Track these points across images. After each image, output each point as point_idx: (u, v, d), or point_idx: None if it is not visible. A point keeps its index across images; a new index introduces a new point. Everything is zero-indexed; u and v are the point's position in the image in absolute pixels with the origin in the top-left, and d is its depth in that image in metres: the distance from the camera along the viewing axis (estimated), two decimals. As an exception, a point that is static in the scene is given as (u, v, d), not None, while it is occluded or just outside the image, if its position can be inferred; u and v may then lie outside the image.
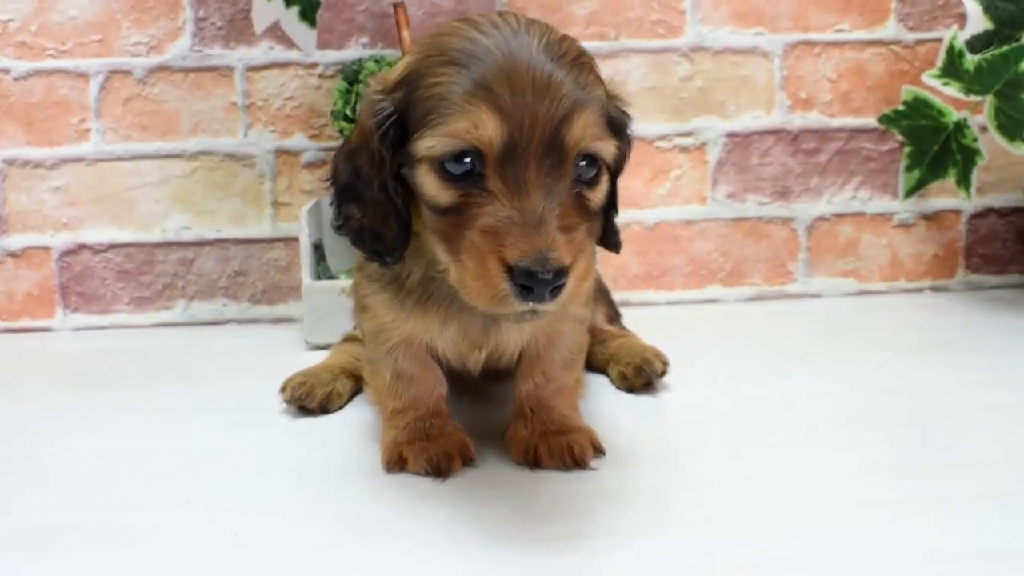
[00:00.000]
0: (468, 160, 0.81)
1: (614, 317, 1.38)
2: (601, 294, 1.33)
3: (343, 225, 0.93)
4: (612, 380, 1.25)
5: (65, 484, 0.98)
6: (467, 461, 0.97)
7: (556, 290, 0.78)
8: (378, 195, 0.88)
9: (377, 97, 0.88)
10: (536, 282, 0.76)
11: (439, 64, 0.83)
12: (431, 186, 0.83)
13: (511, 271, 0.77)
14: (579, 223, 0.81)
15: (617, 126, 0.90)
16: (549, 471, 0.96)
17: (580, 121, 0.81)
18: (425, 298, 0.96)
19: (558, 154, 0.80)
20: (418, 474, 0.95)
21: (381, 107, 0.87)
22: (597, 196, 0.87)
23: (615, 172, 0.93)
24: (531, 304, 0.78)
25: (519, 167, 0.79)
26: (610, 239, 0.99)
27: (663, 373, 1.22)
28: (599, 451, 0.98)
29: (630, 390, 1.22)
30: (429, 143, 0.82)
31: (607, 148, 0.84)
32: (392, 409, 1.01)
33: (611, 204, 0.95)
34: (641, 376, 1.21)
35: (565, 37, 0.85)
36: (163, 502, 0.93)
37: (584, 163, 0.83)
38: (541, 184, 0.80)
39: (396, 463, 0.96)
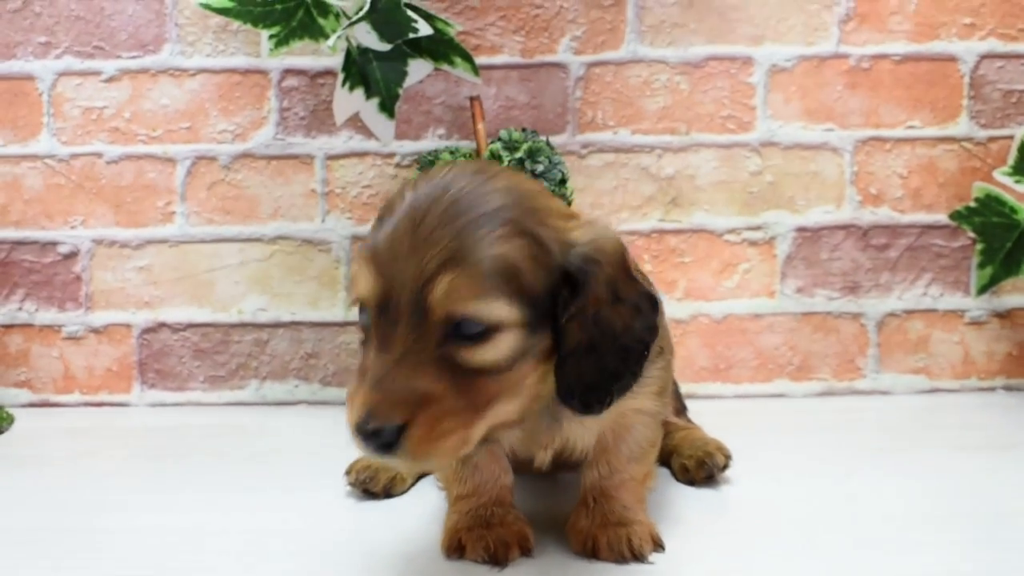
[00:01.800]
0: (365, 310, 0.85)
1: (680, 409, 1.37)
2: None
3: None
4: (673, 472, 1.25)
5: (134, 557, 1.00)
6: (525, 551, 0.97)
7: (391, 447, 0.79)
8: None
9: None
10: (363, 437, 0.80)
11: (379, 214, 0.88)
12: (359, 326, 0.89)
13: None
14: (435, 386, 0.81)
15: (572, 277, 0.86)
16: (607, 563, 0.96)
17: (443, 283, 0.80)
18: None
19: (422, 314, 0.81)
20: (475, 561, 0.96)
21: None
22: (483, 356, 0.83)
23: (578, 315, 0.86)
24: (380, 454, 0.81)
25: (389, 324, 0.82)
26: (564, 394, 0.88)
27: (725, 467, 1.21)
28: (659, 545, 0.98)
29: (690, 483, 1.21)
30: (350, 288, 0.89)
31: (488, 311, 0.82)
32: (456, 495, 1.02)
33: (564, 351, 0.87)
34: (703, 469, 1.21)
35: (495, 190, 0.85)
36: (226, 579, 0.94)
37: (464, 323, 0.82)
38: (403, 342, 0.81)
39: (455, 549, 0.97)
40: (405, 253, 0.81)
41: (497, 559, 0.95)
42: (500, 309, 0.82)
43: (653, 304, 0.90)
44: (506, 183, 0.86)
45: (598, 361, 0.86)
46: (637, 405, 0.99)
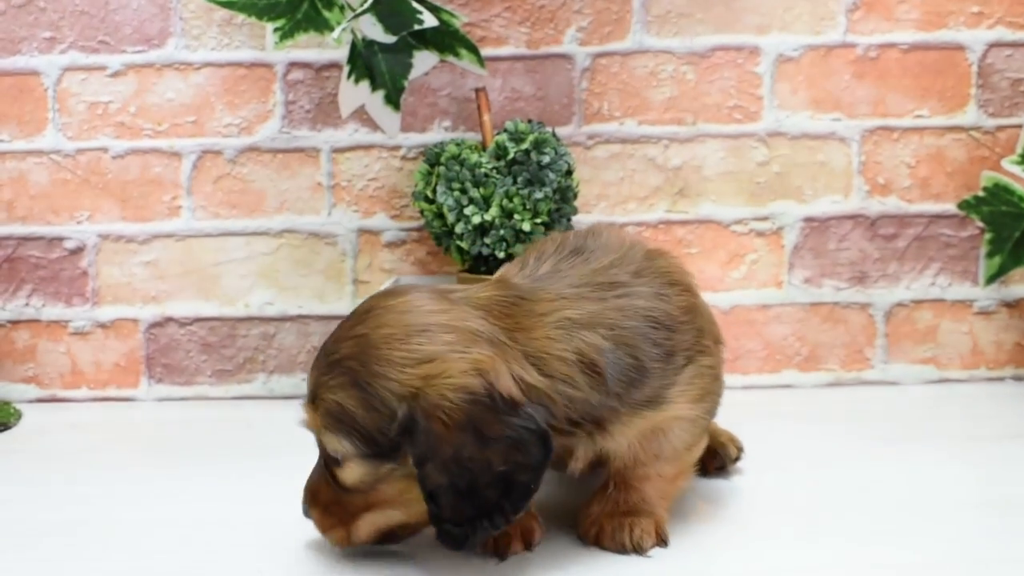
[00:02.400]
0: None
1: None
2: None
3: None
4: None
5: (141, 550, 1.00)
6: (528, 545, 0.97)
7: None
8: None
9: None
10: (305, 514, 1.00)
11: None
12: None
13: None
14: (325, 488, 0.97)
15: (407, 428, 0.88)
16: (609, 554, 0.95)
17: (309, 411, 0.95)
18: None
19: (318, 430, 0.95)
20: (476, 554, 0.95)
21: None
22: (343, 476, 0.94)
23: (429, 459, 0.88)
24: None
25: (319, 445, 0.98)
26: (439, 527, 0.89)
27: (737, 458, 1.21)
28: (662, 540, 0.97)
29: (703, 473, 1.21)
30: None
31: (328, 442, 0.93)
32: None
33: (425, 491, 0.89)
34: (715, 460, 1.21)
35: (354, 337, 0.92)
36: (235, 571, 0.94)
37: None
38: (322, 461, 0.98)
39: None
40: (311, 379, 0.96)
41: (498, 551, 0.95)
42: (335, 443, 0.92)
43: (540, 436, 0.87)
44: (366, 328, 0.92)
45: (468, 499, 0.87)
46: (674, 413, 0.99)
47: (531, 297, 0.95)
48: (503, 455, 0.86)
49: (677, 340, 1.00)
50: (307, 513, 1.00)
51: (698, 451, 1.06)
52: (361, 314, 0.94)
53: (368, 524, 0.96)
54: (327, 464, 0.95)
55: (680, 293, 1.04)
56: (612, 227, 1.15)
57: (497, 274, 1.05)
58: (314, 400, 0.93)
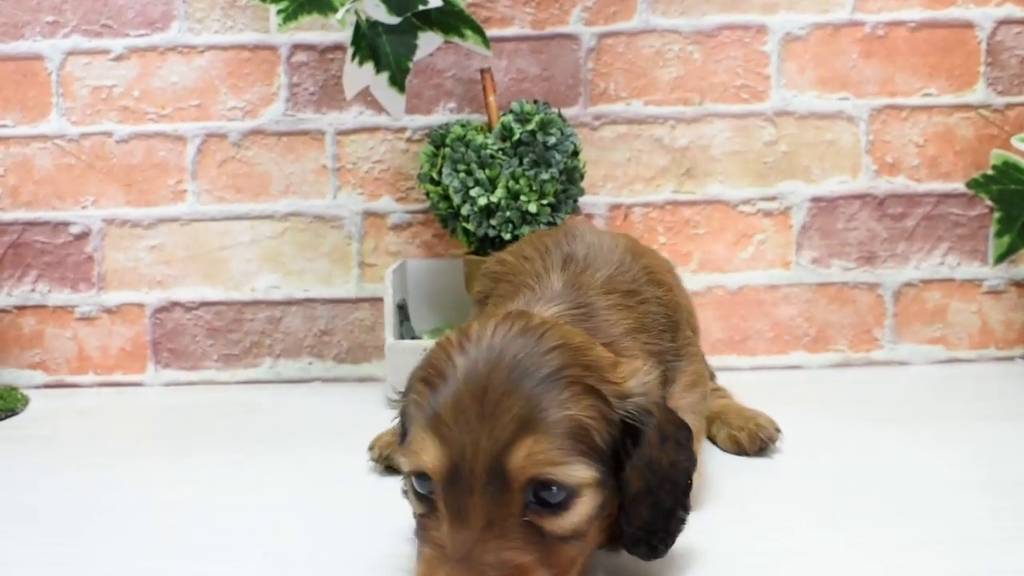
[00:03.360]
0: (427, 481, 0.80)
1: (710, 375, 1.37)
2: None
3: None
4: (717, 442, 1.25)
5: (148, 534, 1.00)
6: None
7: None
8: None
9: (396, 396, 0.91)
10: None
11: (420, 380, 0.83)
12: (411, 494, 0.83)
13: None
14: (526, 557, 0.77)
15: (630, 429, 0.84)
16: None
17: (524, 448, 0.77)
18: None
19: (501, 482, 0.77)
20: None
21: (396, 406, 0.91)
22: (566, 523, 0.79)
23: (636, 464, 0.84)
24: None
25: (462, 495, 0.77)
26: (630, 543, 0.86)
27: (776, 440, 1.23)
28: None
29: (739, 454, 1.22)
30: (400, 458, 0.84)
31: (570, 473, 0.78)
32: None
33: (627, 499, 0.84)
34: (756, 442, 1.22)
35: (558, 349, 0.82)
36: (241, 554, 0.94)
37: (547, 488, 0.78)
38: (482, 514, 0.77)
39: None
40: (474, 422, 0.77)
41: None
42: (581, 471, 0.79)
43: (690, 434, 0.88)
44: (558, 341, 0.82)
45: (655, 503, 0.84)
46: (674, 404, 0.98)
47: (590, 312, 0.97)
48: (673, 455, 0.85)
49: (677, 341, 1.05)
50: None
51: (702, 436, 1.07)
52: (523, 334, 0.83)
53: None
54: (534, 519, 0.78)
55: (666, 292, 1.08)
56: (585, 223, 1.15)
57: (515, 304, 0.99)
58: (536, 426, 0.77)
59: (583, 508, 0.80)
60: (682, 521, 0.86)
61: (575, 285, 0.99)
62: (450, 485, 0.78)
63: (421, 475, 0.80)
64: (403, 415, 0.88)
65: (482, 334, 0.82)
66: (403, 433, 0.88)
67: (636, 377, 0.85)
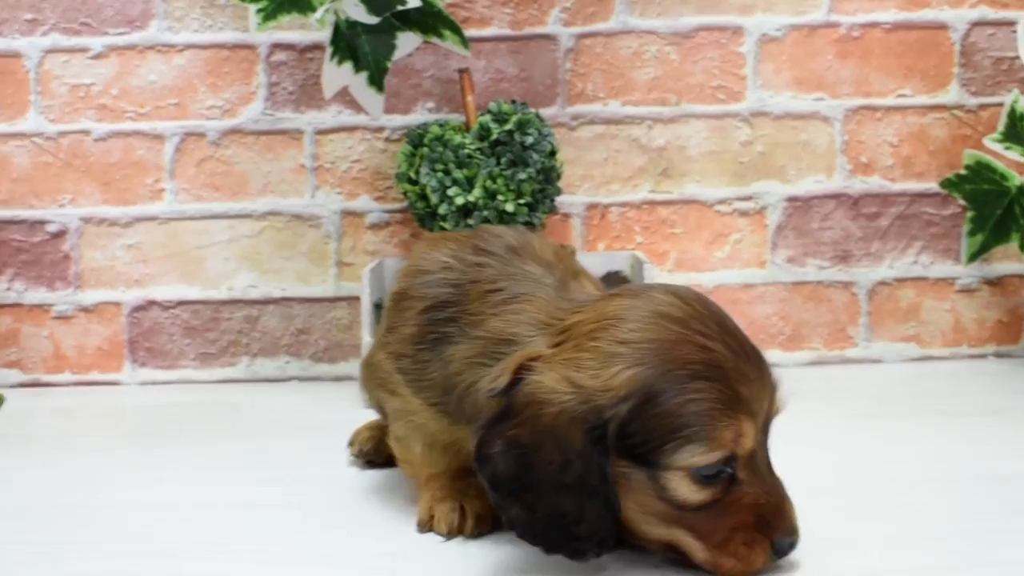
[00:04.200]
0: (724, 464, 0.84)
1: None
2: None
3: (516, 518, 0.86)
4: None
5: (122, 532, 1.00)
6: (500, 524, 0.95)
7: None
8: (579, 493, 0.84)
9: (600, 401, 0.84)
10: (790, 548, 0.87)
11: (686, 379, 0.83)
12: (684, 490, 0.84)
13: (774, 546, 0.86)
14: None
15: None
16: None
17: (779, 392, 0.90)
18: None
19: (766, 429, 0.89)
20: (440, 533, 0.95)
21: (609, 414, 0.83)
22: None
23: None
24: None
25: (755, 455, 0.86)
26: None
27: None
28: None
29: None
30: (689, 456, 0.83)
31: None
32: (428, 475, 1.01)
33: None
34: None
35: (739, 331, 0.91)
36: (215, 552, 0.94)
37: None
38: (767, 463, 0.88)
39: (426, 522, 0.97)
40: (762, 386, 0.87)
41: (462, 530, 0.95)
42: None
43: None
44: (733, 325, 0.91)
45: None
46: None
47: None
48: None
49: None
50: (796, 525, 0.88)
51: None
52: (707, 303, 0.91)
53: None
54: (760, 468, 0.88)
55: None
56: (493, 227, 1.13)
57: (536, 301, 0.95)
58: (776, 386, 0.90)
59: None
60: None
61: (545, 263, 0.98)
62: (753, 453, 0.86)
63: (727, 459, 0.84)
64: (642, 418, 0.83)
65: (690, 315, 0.87)
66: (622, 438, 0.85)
67: None
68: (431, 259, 1.03)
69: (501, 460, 0.84)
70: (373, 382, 1.07)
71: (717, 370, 0.84)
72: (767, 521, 0.85)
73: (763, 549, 0.85)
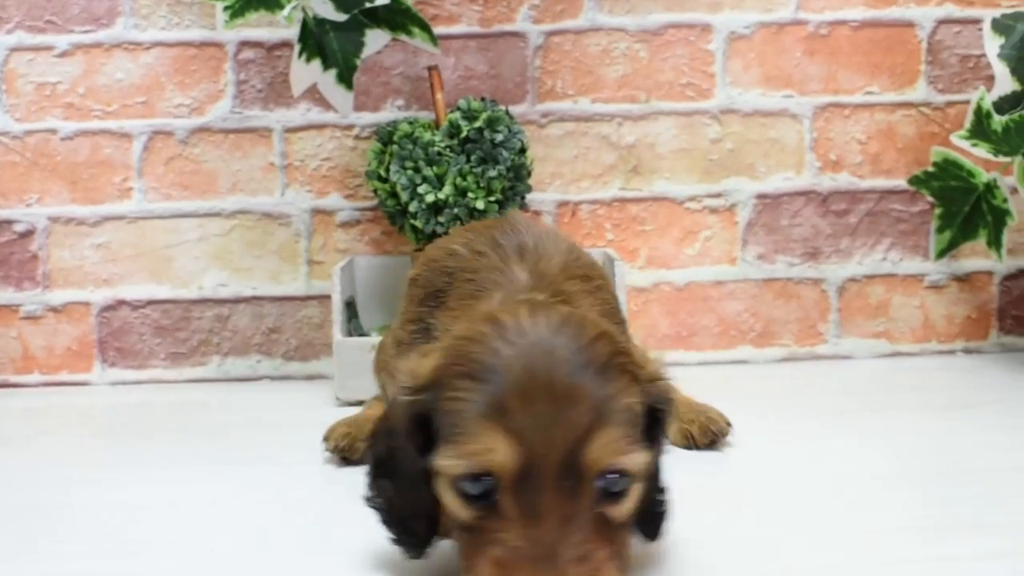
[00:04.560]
0: (484, 481, 0.75)
1: None
2: None
3: (373, 498, 0.87)
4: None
5: (95, 532, 1.00)
6: None
7: None
8: (408, 488, 0.84)
9: (406, 396, 0.83)
10: None
11: (460, 376, 0.78)
12: (450, 501, 0.78)
13: None
14: (599, 548, 0.74)
15: (655, 415, 0.83)
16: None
17: (600, 439, 0.74)
18: None
19: (576, 476, 0.74)
20: None
21: (409, 408, 0.82)
22: (624, 509, 0.78)
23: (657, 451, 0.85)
24: None
25: (534, 492, 0.73)
26: (647, 524, 0.87)
27: (727, 433, 1.23)
28: None
29: (689, 448, 1.23)
30: (446, 461, 0.77)
31: (635, 461, 0.77)
32: None
33: (654, 487, 0.85)
34: (707, 435, 1.22)
35: (599, 337, 0.79)
36: (188, 550, 0.94)
37: (608, 479, 0.76)
38: (557, 510, 0.73)
39: None
40: (546, 415, 0.73)
41: None
42: (642, 457, 0.77)
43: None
44: (597, 329, 0.80)
45: (654, 482, 0.85)
46: None
47: (569, 299, 0.94)
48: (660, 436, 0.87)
49: (623, 326, 1.05)
50: None
51: None
52: (566, 327, 0.79)
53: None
54: (603, 510, 0.76)
55: (606, 280, 1.06)
56: (520, 213, 1.14)
57: (492, 298, 0.94)
58: (607, 417, 0.75)
59: (636, 493, 0.78)
60: (667, 501, 0.87)
61: (540, 274, 0.96)
62: (521, 482, 0.74)
63: (479, 475, 0.75)
64: (433, 414, 0.80)
65: (520, 326, 0.78)
66: (421, 435, 0.81)
67: (652, 362, 0.85)
68: (442, 246, 1.05)
69: (380, 441, 0.86)
70: (379, 365, 1.10)
71: (496, 376, 0.76)
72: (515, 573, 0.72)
73: None
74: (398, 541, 0.86)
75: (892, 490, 1.06)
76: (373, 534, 0.93)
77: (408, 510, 0.84)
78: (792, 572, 0.86)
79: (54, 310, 1.64)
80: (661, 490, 0.86)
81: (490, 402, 0.75)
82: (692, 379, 1.49)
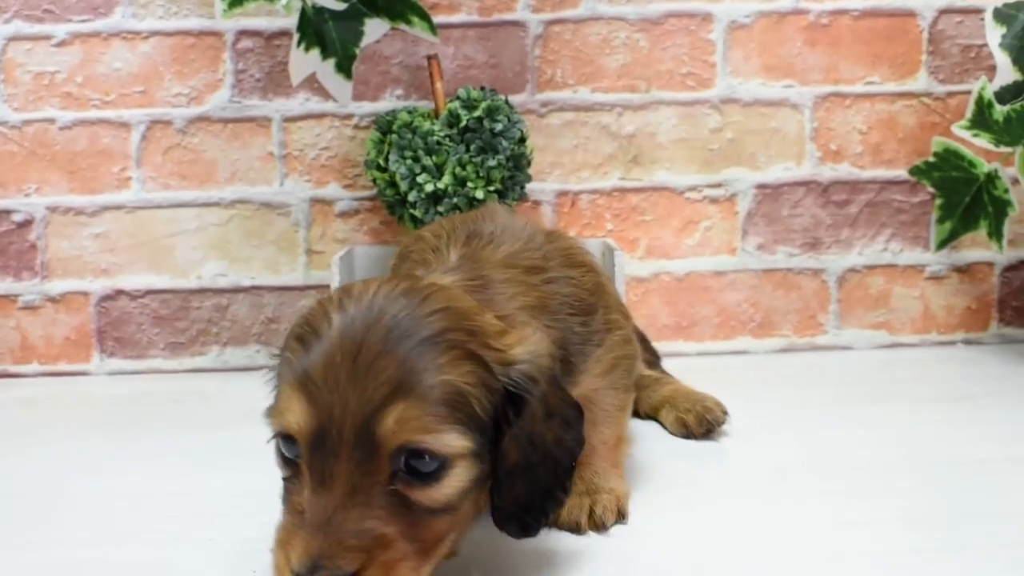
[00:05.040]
0: (294, 444, 0.76)
1: (653, 362, 1.38)
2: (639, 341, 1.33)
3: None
4: (666, 426, 1.26)
5: (93, 520, 1.00)
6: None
7: None
8: None
9: (274, 354, 0.86)
10: None
11: (295, 337, 0.79)
12: (276, 458, 0.79)
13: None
14: (388, 528, 0.73)
15: (513, 398, 0.80)
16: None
17: (395, 413, 0.73)
18: None
19: (369, 447, 0.73)
20: None
21: (272, 367, 0.86)
22: (437, 494, 0.75)
23: (515, 437, 0.80)
24: None
25: (327, 459, 0.73)
26: (502, 519, 0.82)
27: (723, 422, 1.23)
28: (622, 516, 0.96)
29: (687, 436, 1.23)
30: (268, 419, 0.79)
31: (444, 442, 0.74)
32: None
33: (501, 472, 0.81)
34: (703, 424, 1.22)
35: (439, 312, 0.78)
36: (186, 540, 0.94)
37: (418, 457, 0.74)
38: (346, 477, 0.73)
39: None
40: (345, 382, 0.73)
41: None
42: (455, 440, 0.75)
43: (580, 414, 0.85)
44: (442, 304, 0.79)
45: (532, 480, 0.81)
46: (592, 385, 0.98)
47: (485, 285, 0.91)
48: (558, 432, 0.83)
49: (591, 326, 0.99)
50: (320, 563, 0.71)
51: (629, 409, 1.06)
52: (406, 295, 0.78)
53: (437, 558, 0.78)
54: (401, 489, 0.75)
55: (585, 274, 1.02)
56: (503, 207, 1.13)
57: (406, 270, 0.98)
58: (410, 391, 0.74)
59: (456, 480, 0.76)
60: (559, 502, 0.83)
61: (473, 259, 0.94)
62: (316, 448, 0.74)
63: (287, 437, 0.76)
64: (277, 374, 0.84)
65: (364, 293, 0.78)
66: (276, 394, 0.83)
67: (523, 345, 0.82)
68: (415, 232, 1.06)
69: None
70: None
71: (315, 340, 0.76)
72: (293, 542, 0.72)
73: (285, 565, 0.73)
74: None
75: (891, 480, 1.06)
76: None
77: None
78: (790, 562, 0.86)
79: (53, 300, 1.64)
80: (541, 489, 0.82)
81: (301, 366, 0.75)
82: (691, 370, 1.50)
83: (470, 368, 0.77)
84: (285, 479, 0.78)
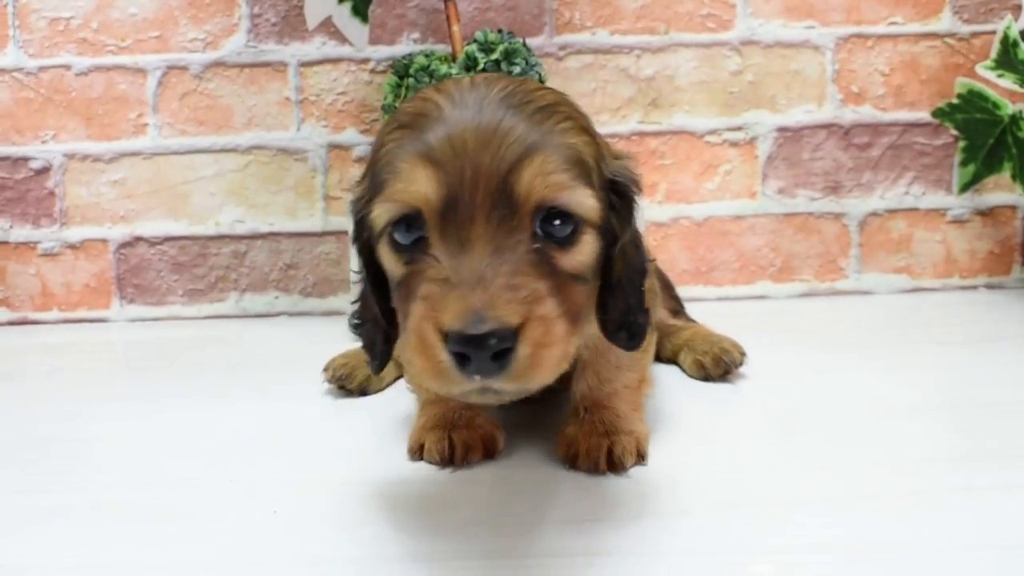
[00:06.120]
0: (413, 228, 0.73)
1: (678, 310, 1.37)
2: (663, 288, 1.32)
3: (353, 324, 0.89)
4: (685, 369, 1.26)
5: (113, 464, 1.00)
6: (490, 454, 0.95)
7: (501, 357, 0.66)
8: (369, 308, 0.84)
9: (355, 191, 0.83)
10: (472, 347, 0.66)
11: (391, 130, 0.77)
12: (387, 260, 0.76)
13: (447, 338, 0.67)
14: (539, 284, 0.70)
15: (618, 189, 0.80)
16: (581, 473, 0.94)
17: (533, 167, 0.71)
18: None
19: (509, 206, 0.71)
20: (431, 462, 0.94)
21: (355, 199, 0.82)
22: (574, 259, 0.75)
23: (613, 238, 0.80)
24: (477, 378, 0.67)
25: (463, 224, 0.70)
26: (614, 329, 0.84)
27: (740, 363, 1.22)
28: (642, 457, 0.95)
29: (705, 379, 1.22)
30: (376, 212, 0.75)
31: (579, 200, 0.73)
32: (426, 399, 1.01)
33: (612, 280, 0.81)
34: (720, 366, 1.22)
35: (540, 89, 0.77)
36: (206, 481, 0.94)
37: (553, 220, 0.73)
38: (488, 239, 0.70)
39: (416, 450, 0.96)
40: (473, 146, 0.71)
41: (453, 459, 0.93)
42: (587, 199, 0.74)
43: (641, 239, 0.86)
44: (545, 90, 0.78)
45: (627, 295, 0.82)
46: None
47: None
48: (634, 252, 0.83)
49: None
50: (508, 343, 0.66)
51: (651, 351, 1.05)
52: (506, 80, 0.77)
53: (580, 334, 0.77)
54: (544, 250, 0.72)
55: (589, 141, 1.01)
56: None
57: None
58: (542, 148, 0.72)
59: (588, 247, 0.75)
60: (646, 324, 0.85)
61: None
62: (447, 218, 0.71)
63: (406, 218, 0.73)
64: (372, 172, 0.79)
65: (459, 81, 0.76)
66: (369, 196, 0.79)
67: (619, 151, 0.83)
68: None
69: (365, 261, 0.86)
70: None
71: (420, 119, 0.74)
72: (444, 304, 0.68)
73: (434, 337, 0.68)
74: (369, 358, 0.89)
75: (912, 422, 1.06)
76: (382, 465, 0.93)
77: (371, 333, 0.87)
78: (810, 501, 0.86)
79: (72, 247, 1.65)
80: (632, 305, 0.83)
81: (418, 140, 0.73)
82: (711, 314, 1.49)
83: (588, 139, 0.77)
84: (404, 274, 0.75)
